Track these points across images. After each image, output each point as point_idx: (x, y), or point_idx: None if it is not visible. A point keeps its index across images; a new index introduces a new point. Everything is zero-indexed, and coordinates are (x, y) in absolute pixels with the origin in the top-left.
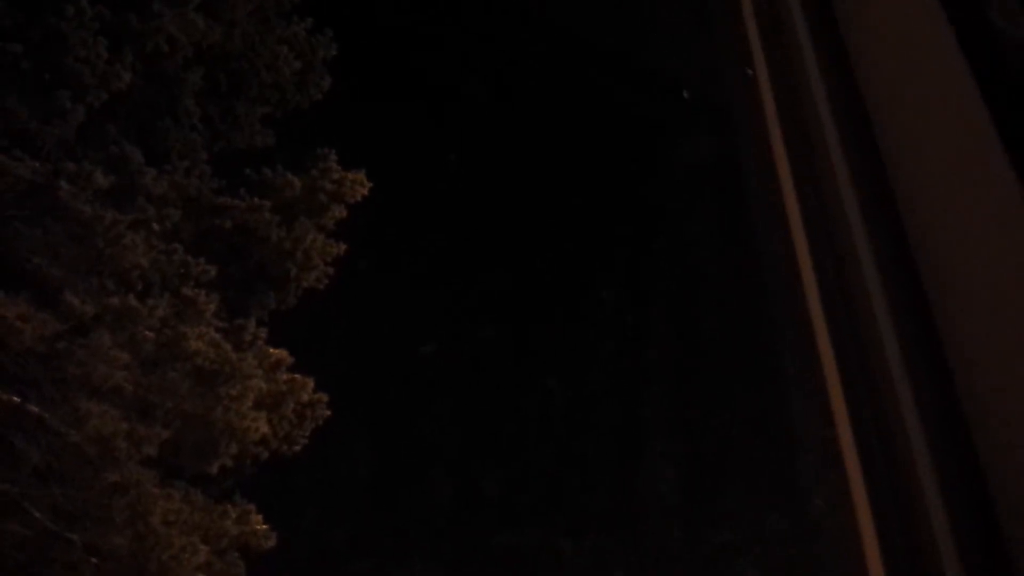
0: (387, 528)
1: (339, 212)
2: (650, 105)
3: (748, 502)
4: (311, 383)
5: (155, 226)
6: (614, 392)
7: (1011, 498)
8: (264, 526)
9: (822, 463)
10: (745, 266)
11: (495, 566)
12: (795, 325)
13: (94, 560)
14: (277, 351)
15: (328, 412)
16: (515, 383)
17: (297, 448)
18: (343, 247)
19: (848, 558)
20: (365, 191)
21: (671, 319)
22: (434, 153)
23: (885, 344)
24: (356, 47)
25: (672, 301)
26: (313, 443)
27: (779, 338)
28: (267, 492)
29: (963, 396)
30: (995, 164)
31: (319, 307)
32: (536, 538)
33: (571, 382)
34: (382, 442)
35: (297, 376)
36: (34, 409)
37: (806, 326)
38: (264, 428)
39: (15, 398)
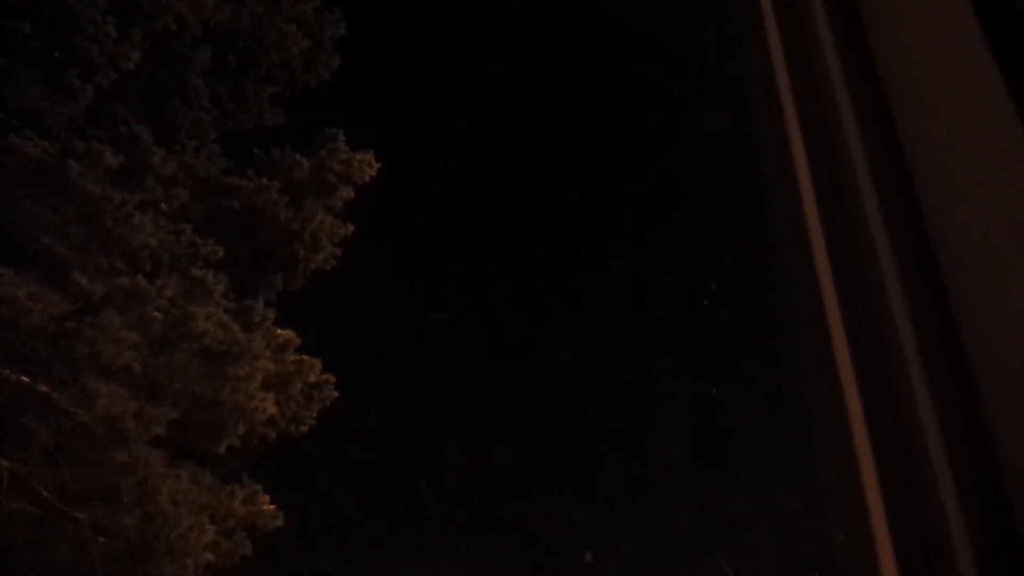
0: (399, 496)
1: (347, 193)
2: (662, 77)
3: (758, 474)
4: (319, 364)
5: (164, 206)
6: (626, 362)
7: (1022, 468)
8: (271, 506)
9: (832, 436)
10: (757, 238)
11: (505, 534)
12: (807, 298)
13: (102, 539)
14: (285, 332)
15: (335, 393)
16: (526, 353)
17: (305, 428)
18: (351, 228)
19: (857, 531)
20: (373, 172)
21: (683, 290)
22: (443, 131)
23: (896, 318)
24: (365, 25)
25: (684, 272)
26: (324, 416)
27: (790, 311)
28: (279, 465)
29: (975, 369)
30: (1017, 137)
31: (327, 288)
32: (546, 507)
33: (583, 352)
34: (393, 413)
35: (305, 357)
36: (43, 388)
37: (818, 299)
38: (272, 409)
39: (24, 377)
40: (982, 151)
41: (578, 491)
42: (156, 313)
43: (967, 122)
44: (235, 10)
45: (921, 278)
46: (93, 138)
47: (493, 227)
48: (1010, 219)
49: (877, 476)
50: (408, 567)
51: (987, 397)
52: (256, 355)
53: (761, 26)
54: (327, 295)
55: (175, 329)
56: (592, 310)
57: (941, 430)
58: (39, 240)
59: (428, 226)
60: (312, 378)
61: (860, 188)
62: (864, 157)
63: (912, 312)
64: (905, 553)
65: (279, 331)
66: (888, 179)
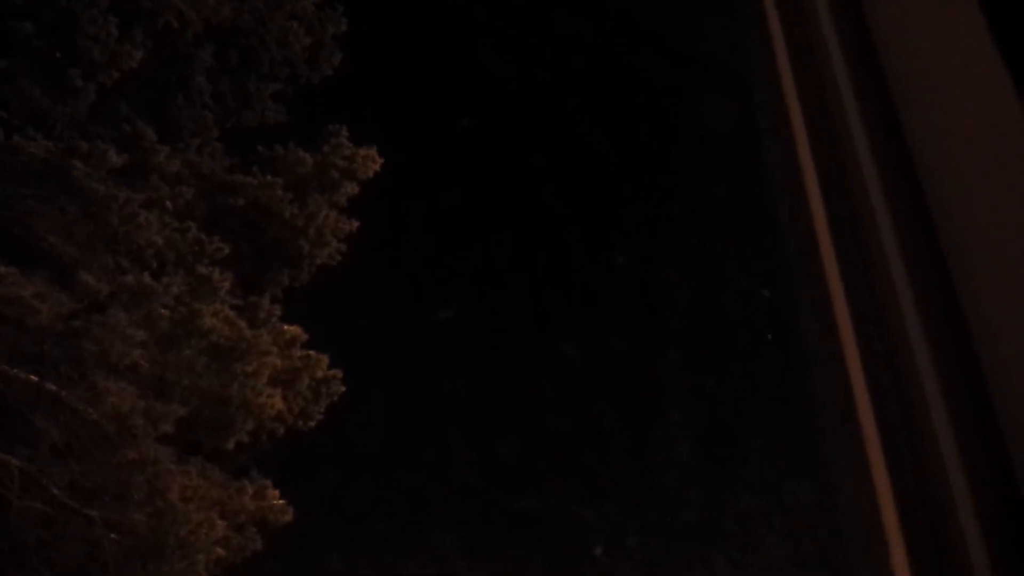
0: (405, 493)
1: (351, 189)
2: (667, 72)
3: (767, 469)
4: (326, 359)
5: (168, 204)
6: (632, 358)
7: None
8: (281, 501)
9: (841, 430)
10: (763, 232)
11: (512, 531)
12: (814, 292)
13: (113, 536)
14: (291, 328)
15: (343, 388)
16: (532, 349)
17: (312, 424)
18: (355, 224)
19: (869, 525)
20: (377, 167)
21: (689, 285)
22: (447, 126)
23: (904, 309)
24: (366, 21)
25: (690, 267)
26: (330, 412)
27: (798, 305)
28: (285, 459)
29: (984, 361)
30: (1020, 128)
31: (333, 284)
32: (553, 504)
33: (589, 348)
34: (400, 409)
35: (312, 352)
36: (52, 387)
37: (825, 293)
38: (279, 404)
39: (33, 376)
40: (986, 143)
41: (586, 487)
42: (163, 311)
43: (972, 115)
44: (237, 7)
45: (928, 269)
46: (97, 137)
47: (498, 223)
48: (1018, 210)
49: (887, 470)
50: (415, 563)
51: (997, 390)
52: (263, 351)
53: (765, 21)
54: (333, 291)
55: (182, 326)
56: (598, 306)
57: (952, 423)
58: (44, 239)
59: (433, 222)
60: (319, 373)
61: (865, 180)
62: (869, 150)
63: (920, 303)
64: (917, 546)
65: (286, 327)
66: (894, 172)
